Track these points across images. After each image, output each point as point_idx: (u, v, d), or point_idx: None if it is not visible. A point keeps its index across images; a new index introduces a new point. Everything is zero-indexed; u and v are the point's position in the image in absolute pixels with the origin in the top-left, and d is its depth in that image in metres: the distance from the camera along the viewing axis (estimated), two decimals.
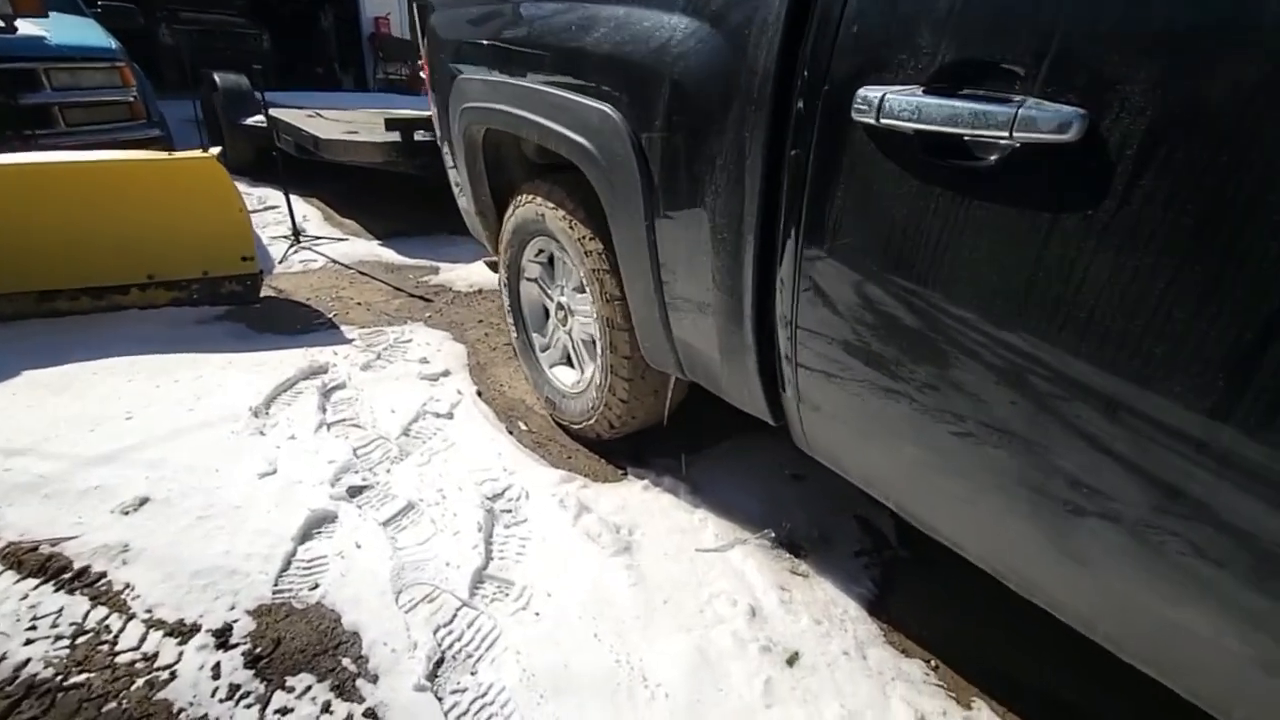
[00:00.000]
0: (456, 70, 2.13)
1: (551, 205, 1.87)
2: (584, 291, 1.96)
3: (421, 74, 2.88)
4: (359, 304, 3.23)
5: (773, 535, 1.71)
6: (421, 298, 3.34)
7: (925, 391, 0.99)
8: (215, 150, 2.94)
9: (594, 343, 2.03)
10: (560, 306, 2.10)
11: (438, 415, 2.27)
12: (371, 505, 1.82)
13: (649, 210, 1.40)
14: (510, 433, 2.21)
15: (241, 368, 2.52)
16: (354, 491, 1.87)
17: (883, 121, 0.88)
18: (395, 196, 5.23)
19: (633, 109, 1.36)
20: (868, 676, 1.36)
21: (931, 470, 1.05)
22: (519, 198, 2.05)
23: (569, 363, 2.23)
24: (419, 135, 4.00)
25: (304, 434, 2.11)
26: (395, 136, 3.94)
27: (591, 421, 2.00)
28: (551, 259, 2.14)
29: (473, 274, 3.65)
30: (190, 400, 2.28)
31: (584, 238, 1.77)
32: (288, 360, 2.58)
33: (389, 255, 3.92)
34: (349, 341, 2.78)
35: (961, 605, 1.55)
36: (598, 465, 2.05)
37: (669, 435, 2.05)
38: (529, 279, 2.23)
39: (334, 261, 3.77)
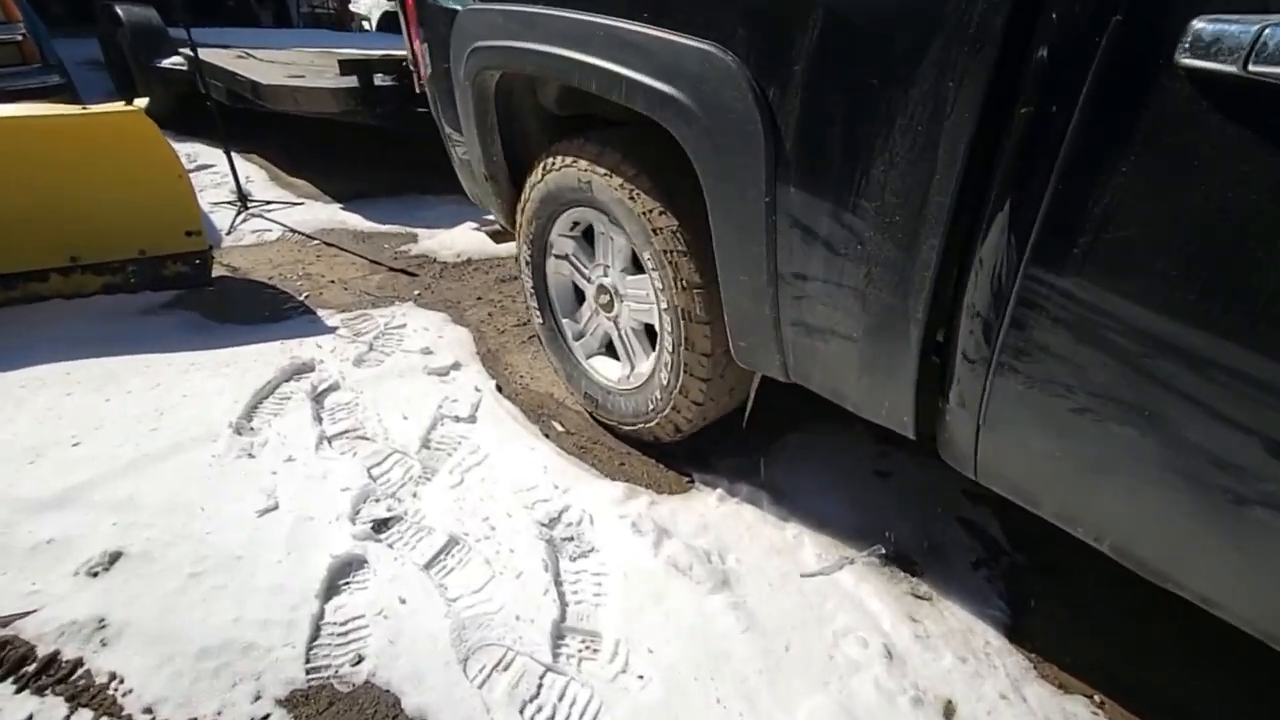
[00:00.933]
0: (455, 6, 1.72)
1: (603, 171, 1.53)
2: (639, 274, 1.65)
3: (385, 5, 2.41)
4: (333, 282, 2.80)
5: (882, 551, 1.50)
6: (404, 271, 2.93)
7: (1207, 430, 0.76)
8: (142, 102, 2.42)
9: (648, 333, 1.74)
10: (604, 290, 1.79)
11: (458, 419, 1.95)
12: (405, 543, 1.52)
13: (771, 182, 1.10)
14: (546, 436, 1.91)
15: (208, 370, 2.11)
16: (380, 526, 1.56)
17: (1253, 69, 0.60)
18: (351, 151, 4.65)
19: (755, 49, 1.04)
20: None
21: (1185, 518, 0.84)
22: (551, 160, 1.70)
23: (610, 353, 1.93)
24: (379, 79, 3.48)
25: (302, 453, 1.77)
26: (352, 81, 3.41)
27: (652, 424, 1.73)
28: (589, 233, 1.81)
29: (457, 241, 3.24)
30: (151, 416, 1.89)
31: (650, 211, 1.45)
32: (263, 357, 2.18)
33: (355, 221, 3.45)
34: (332, 330, 2.39)
35: (1098, 621, 1.40)
36: (658, 472, 1.79)
37: (725, 428, 1.80)
38: (558, 256, 1.90)
39: (292, 231, 3.28)
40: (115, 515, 1.55)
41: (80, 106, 2.38)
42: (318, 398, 2.02)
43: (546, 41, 1.43)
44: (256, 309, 2.53)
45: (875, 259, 1.03)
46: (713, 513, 1.63)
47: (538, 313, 2.04)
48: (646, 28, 1.20)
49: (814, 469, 1.79)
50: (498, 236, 2.52)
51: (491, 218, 3.50)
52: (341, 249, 3.12)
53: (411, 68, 2.56)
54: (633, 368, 1.81)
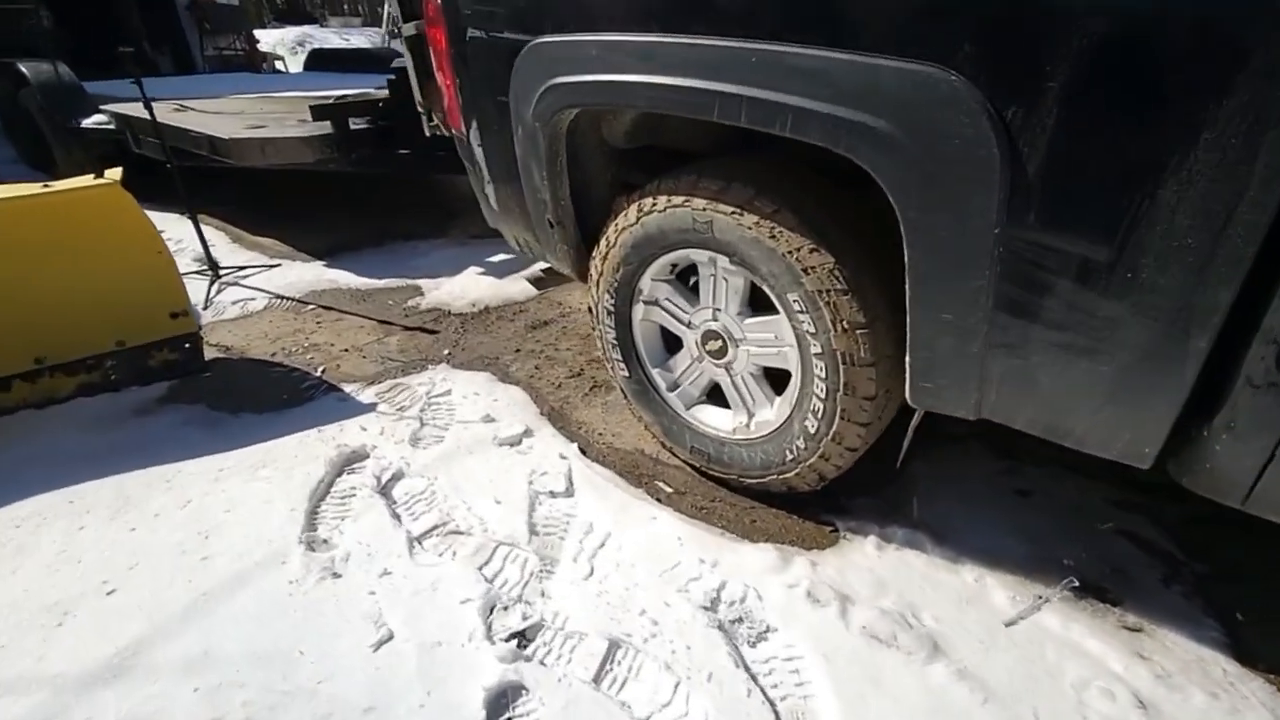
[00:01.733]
0: (521, 39, 1.54)
1: (730, 208, 1.39)
2: (762, 315, 1.51)
3: (389, 42, 2.18)
4: (346, 350, 2.52)
5: (1075, 584, 1.41)
6: (423, 329, 2.68)
7: None
8: (115, 173, 2.09)
9: (767, 377, 1.60)
10: (713, 335, 1.63)
11: (554, 494, 1.75)
12: (559, 656, 1.31)
13: (1004, 211, 0.99)
14: (659, 500, 1.73)
15: (241, 474, 1.82)
16: (522, 639, 1.35)
17: None
18: (318, 201, 4.31)
19: (992, 68, 0.92)
20: None
21: None
22: (650, 201, 1.54)
23: (712, 401, 1.78)
24: (355, 124, 3.21)
25: (396, 562, 1.52)
26: (326, 128, 3.12)
27: (789, 474, 1.58)
28: (687, 275, 1.66)
29: (467, 289, 3.00)
30: (196, 543, 1.59)
31: (798, 250, 1.32)
32: (304, 451, 1.91)
33: (348, 279, 3.15)
34: (370, 408, 2.12)
35: None
36: (796, 526, 1.65)
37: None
38: (648, 302, 1.73)
39: (279, 297, 2.96)
40: (193, 678, 1.27)
41: (41, 185, 2.03)
42: (385, 491, 1.77)
43: (669, 73, 1.27)
44: (271, 393, 2.23)
45: (1150, 286, 0.92)
46: (879, 565, 1.49)
47: (620, 365, 1.86)
48: (824, 51, 1.07)
49: (952, 497, 1.69)
50: (541, 282, 2.32)
51: (498, 260, 3.30)
52: (343, 312, 2.83)
53: (422, 108, 2.34)
54: (750, 415, 1.67)
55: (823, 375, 1.40)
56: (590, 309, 1.89)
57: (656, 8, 1.27)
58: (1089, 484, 1.73)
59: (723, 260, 1.50)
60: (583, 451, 1.91)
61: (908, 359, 1.25)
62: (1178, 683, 1.22)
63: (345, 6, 21.46)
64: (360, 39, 13.01)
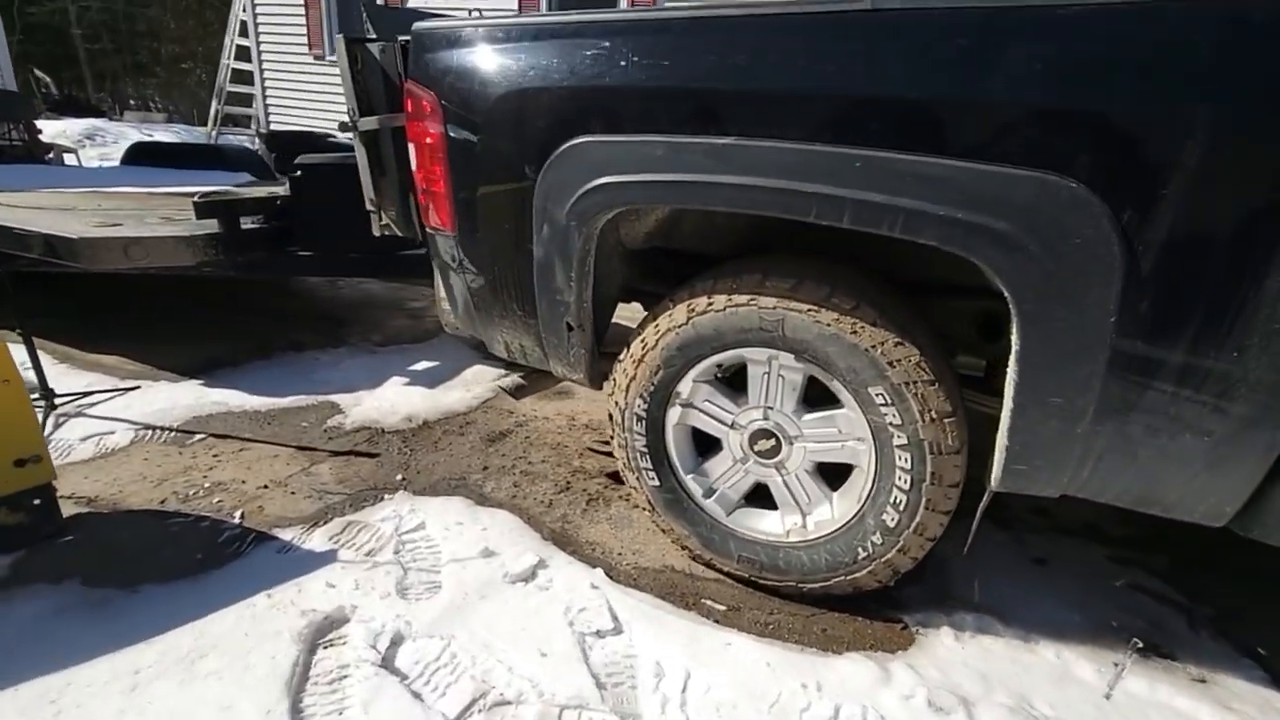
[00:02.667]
0: (554, 137, 1.47)
1: (805, 306, 1.38)
2: (821, 410, 1.50)
3: (217, 138, 1.97)
4: (264, 488, 2.05)
5: (1139, 645, 1.48)
6: (358, 454, 2.28)
7: None
8: None
9: (819, 474, 1.57)
10: (764, 434, 1.57)
11: (602, 634, 1.51)
12: None
13: (1117, 303, 1.09)
14: (718, 623, 1.57)
15: (174, 673, 1.35)
16: None
17: None
18: (169, 309, 3.63)
19: (1112, 175, 1.04)
20: None
21: None
22: (703, 301, 1.49)
23: (752, 504, 1.69)
24: (247, 222, 2.81)
25: None
26: (213, 226, 2.69)
27: (859, 574, 1.53)
28: (733, 375, 1.61)
29: (396, 402, 2.65)
30: None
31: (883, 344, 1.34)
32: (255, 627, 1.47)
33: (238, 400, 2.62)
34: (328, 557, 1.72)
35: None
36: (868, 627, 1.57)
37: None
38: (685, 405, 1.64)
39: (150, 428, 2.37)
40: None
41: None
42: (389, 662, 1.40)
43: (756, 174, 1.27)
44: (176, 554, 1.72)
45: (1253, 364, 1.06)
46: (970, 658, 1.46)
47: (650, 474, 1.72)
48: (942, 159, 1.13)
49: (986, 573, 1.73)
50: (522, 390, 2.11)
51: (423, 369, 2.98)
52: (247, 440, 2.33)
53: (373, 206, 2.12)
54: (803, 515, 1.61)
55: (907, 466, 1.40)
56: (611, 416, 1.74)
57: (740, 113, 1.28)
58: (1084, 545, 1.89)
59: (785, 358, 1.48)
60: (610, 576, 1.70)
61: (1003, 443, 1.29)
62: None
63: (132, 101, 19.52)
64: (165, 134, 11.81)
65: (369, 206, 2.13)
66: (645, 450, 1.70)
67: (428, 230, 1.89)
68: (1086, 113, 1.05)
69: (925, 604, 1.63)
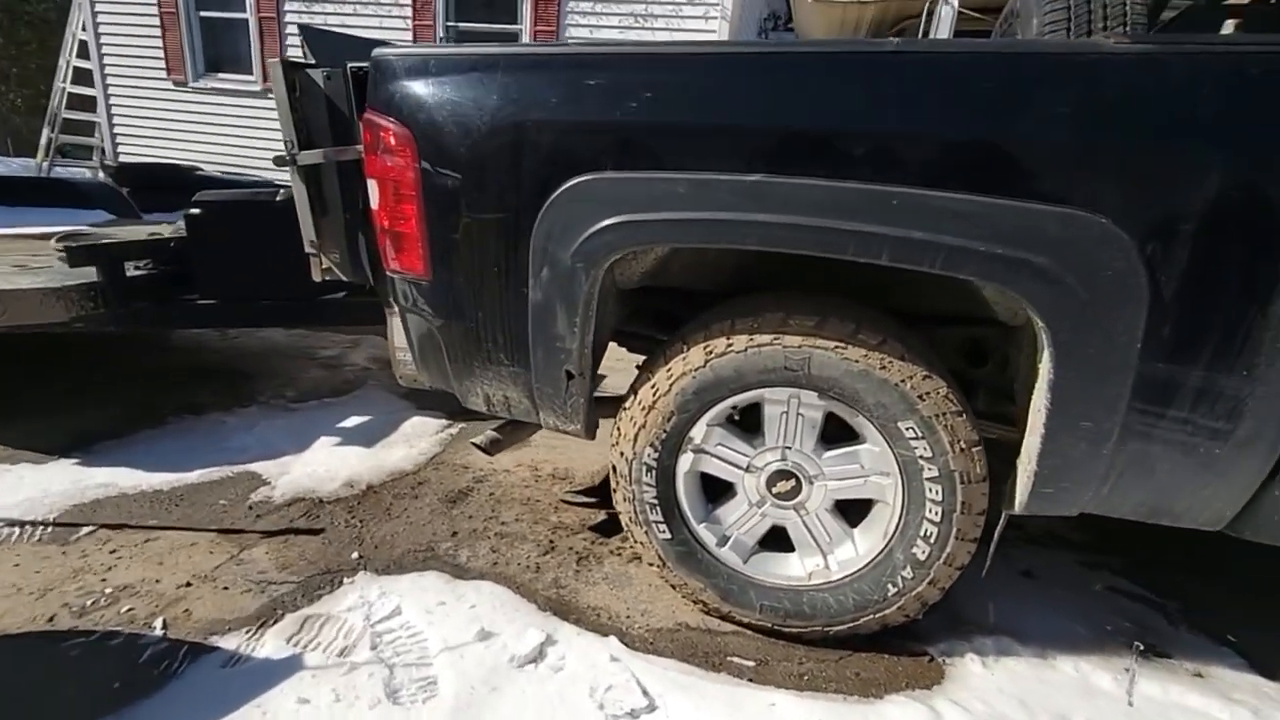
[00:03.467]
0: (557, 174, 1.37)
1: (831, 343, 1.36)
2: (840, 446, 1.47)
3: (50, 170, 1.73)
4: (187, 585, 1.72)
5: (1140, 648, 1.57)
6: (296, 531, 1.98)
7: None
8: None
9: (839, 512, 1.54)
10: (783, 475, 1.52)
11: (635, 714, 1.37)
12: None
13: (1144, 329, 1.15)
14: (753, 681, 1.48)
15: None
16: None
17: None
18: (13, 373, 3.01)
19: (1137, 210, 1.10)
20: None
21: None
22: (721, 342, 1.43)
23: (767, 548, 1.63)
24: (133, 268, 2.41)
25: None
26: (89, 275, 2.28)
27: (890, 609, 1.50)
28: (746, 416, 1.55)
29: (332, 467, 2.34)
30: None
31: (912, 377, 1.34)
32: None
33: (130, 479, 2.20)
34: (293, 665, 1.45)
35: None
36: (898, 664, 1.54)
37: None
38: (697, 451, 1.56)
39: (11, 524, 1.92)
40: None
41: None
42: None
43: (786, 211, 1.24)
44: (86, 688, 1.38)
45: (1261, 379, 1.15)
46: (1003, 683, 1.47)
47: (661, 527, 1.61)
48: (980, 196, 1.15)
49: (987, 593, 1.78)
50: (497, 445, 1.92)
51: (354, 425, 2.66)
52: (151, 528, 1.94)
53: (314, 249, 1.89)
54: (824, 555, 1.57)
55: (938, 498, 1.40)
56: (616, 467, 1.62)
57: (770, 150, 1.25)
58: (1056, 554, 2.00)
59: (807, 396, 1.44)
60: (626, 644, 1.56)
61: (1033, 469, 1.32)
62: (1267, 711, 1.41)
63: None
64: None
65: (309, 249, 1.89)
66: (655, 501, 1.59)
67: (390, 274, 1.70)
68: (1109, 153, 1.11)
69: (943, 632, 1.63)
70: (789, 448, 1.52)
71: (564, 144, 1.37)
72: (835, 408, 1.45)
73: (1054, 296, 1.17)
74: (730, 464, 1.57)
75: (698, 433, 1.54)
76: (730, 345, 1.42)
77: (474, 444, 1.91)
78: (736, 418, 1.56)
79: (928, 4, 3.87)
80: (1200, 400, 1.19)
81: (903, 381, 1.35)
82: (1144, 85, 1.11)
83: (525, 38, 6.01)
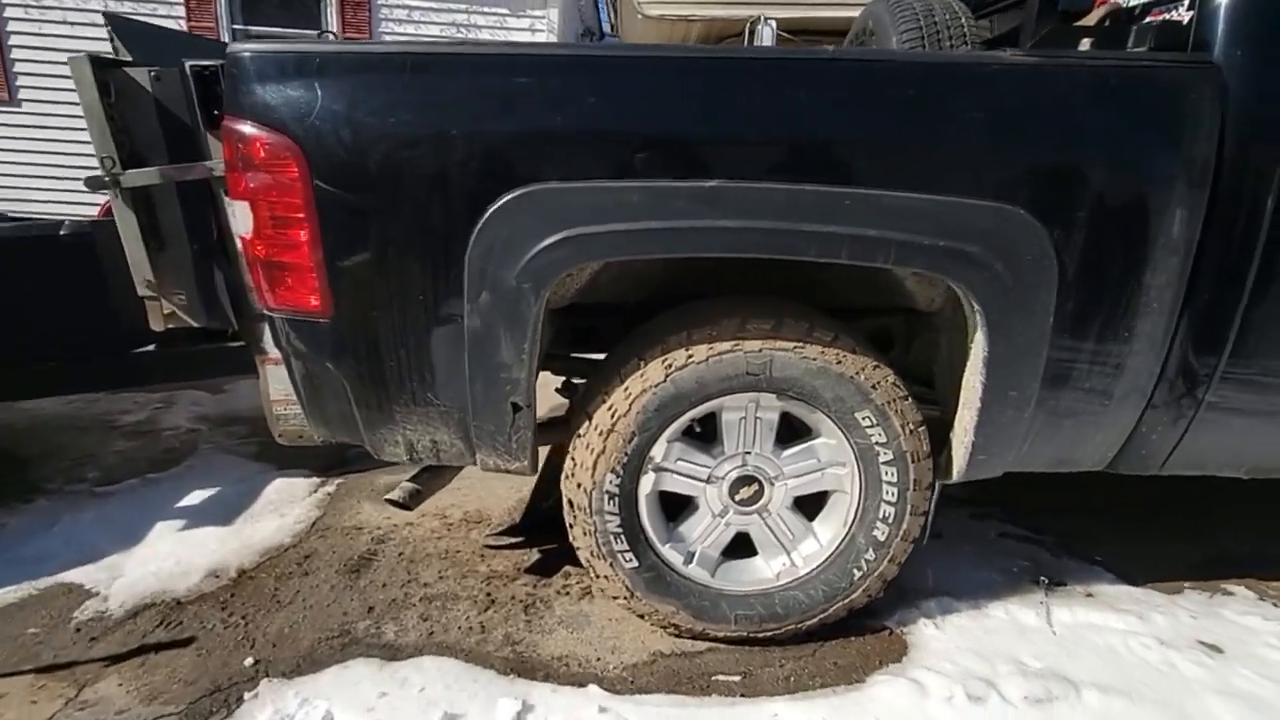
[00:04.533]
0: (493, 186, 1.23)
1: (789, 344, 1.37)
2: (796, 444, 1.51)
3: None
4: None
5: (1046, 581, 1.79)
6: (156, 647, 1.56)
7: None
8: None
9: (795, 509, 1.58)
10: (745, 481, 1.52)
11: None
12: None
13: (1054, 304, 1.31)
14: (744, 695, 1.44)
15: None
16: None
17: None
18: None
19: (1049, 205, 1.25)
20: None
21: None
22: (680, 354, 1.38)
23: (732, 555, 1.61)
24: None
25: None
26: None
27: (856, 593, 1.55)
28: (702, 427, 1.52)
29: (179, 555, 1.89)
30: None
31: (864, 369, 1.41)
32: None
33: None
34: None
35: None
36: (865, 644, 1.60)
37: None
38: (659, 469, 1.49)
39: None
40: None
41: None
42: None
43: (749, 217, 1.23)
44: None
45: (1139, 335, 1.36)
46: (958, 642, 1.59)
47: (627, 556, 1.52)
48: (912, 194, 1.23)
49: (915, 561, 1.92)
50: (418, 497, 1.68)
51: (200, 502, 2.18)
52: None
53: (151, 290, 1.53)
54: (788, 553, 1.59)
55: (893, 479, 1.48)
56: (573, 502, 1.50)
57: (728, 156, 1.23)
58: (951, 510, 2.23)
59: (766, 399, 1.45)
60: (608, 689, 1.45)
61: (970, 439, 1.45)
62: (1146, 614, 1.68)
63: None
64: None
65: (144, 291, 1.51)
66: (620, 530, 1.50)
67: (268, 314, 1.41)
68: (1017, 150, 1.26)
69: (892, 604, 1.73)
70: (749, 453, 1.51)
71: (501, 153, 1.23)
72: (793, 407, 1.47)
73: (986, 282, 1.28)
74: (691, 478, 1.53)
75: (658, 451, 1.48)
76: (691, 356, 1.38)
77: (390, 501, 1.65)
78: (697, 430, 1.52)
79: (749, 24, 4.19)
80: (1095, 363, 1.39)
81: (857, 374, 1.40)
82: (1036, 92, 1.27)
83: (332, 21, 5.45)
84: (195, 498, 2.24)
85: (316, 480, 2.38)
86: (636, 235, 1.25)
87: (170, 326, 1.58)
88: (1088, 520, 2.20)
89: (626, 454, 1.44)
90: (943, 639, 1.61)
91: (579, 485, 1.48)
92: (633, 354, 1.43)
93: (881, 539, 1.52)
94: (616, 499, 1.48)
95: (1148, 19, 1.48)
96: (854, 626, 1.65)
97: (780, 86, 1.23)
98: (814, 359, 1.39)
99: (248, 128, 1.25)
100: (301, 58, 1.24)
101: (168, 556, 1.90)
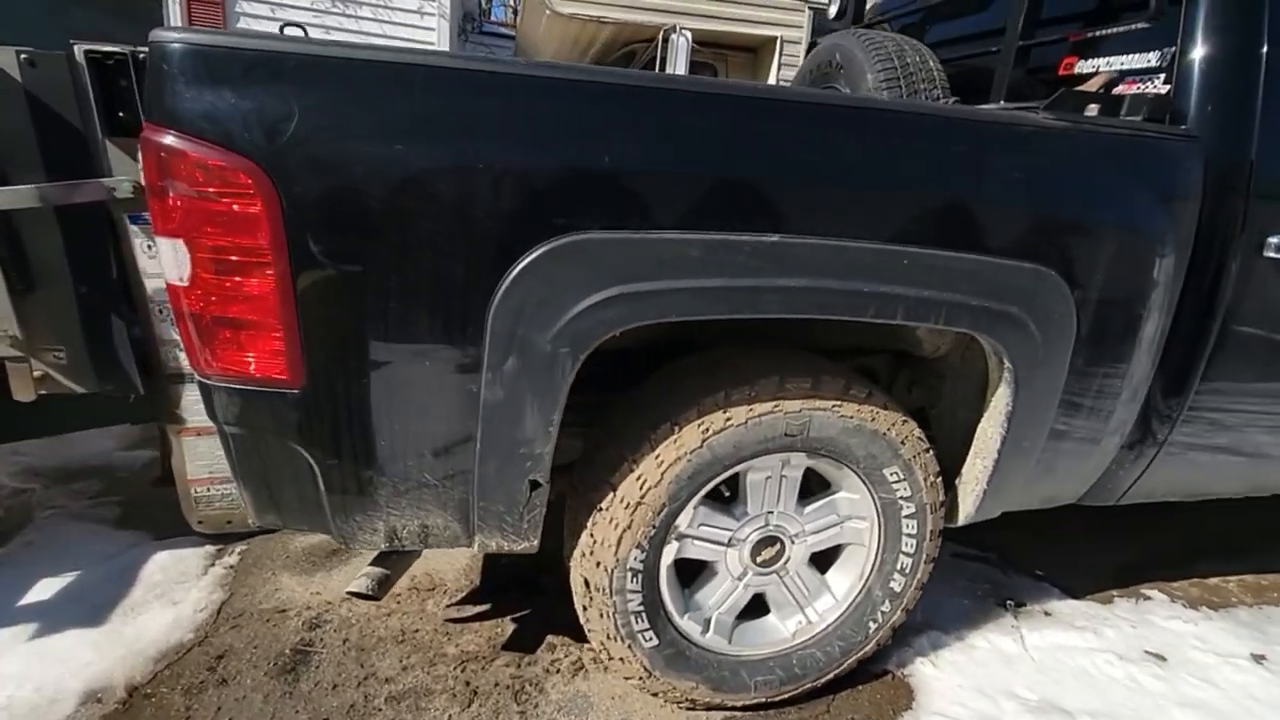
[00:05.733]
0: (526, 235, 1.03)
1: (828, 403, 1.30)
2: (816, 499, 1.46)
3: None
4: None
5: (1011, 604, 1.90)
6: None
7: None
8: None
9: (810, 565, 1.53)
10: (768, 542, 1.43)
11: None
12: None
13: (1068, 364, 1.35)
14: None
15: None
16: None
17: None
18: None
19: (1073, 265, 1.28)
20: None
21: None
22: (718, 416, 1.26)
23: (746, 617, 1.52)
24: None
25: None
26: None
27: (869, 645, 1.53)
28: (722, 491, 1.40)
29: (36, 674, 1.45)
30: None
31: (895, 424, 1.37)
32: None
33: None
34: None
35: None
36: (876, 693, 1.58)
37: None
38: (682, 538, 1.36)
39: None
40: None
41: None
42: None
43: (810, 275, 1.13)
44: None
45: (1129, 384, 1.44)
46: (958, 680, 1.62)
47: (648, 635, 1.38)
48: (965, 255, 1.20)
49: None
50: (386, 584, 1.40)
51: (53, 597, 1.70)
52: None
53: (13, 344, 1.15)
54: (802, 610, 1.53)
55: (913, 531, 1.47)
56: (589, 583, 1.33)
57: (793, 208, 1.11)
58: None
59: (796, 459, 1.37)
60: None
61: (981, 488, 1.47)
62: (1105, 632, 1.83)
63: None
64: None
65: (3, 350, 1.10)
66: (641, 609, 1.35)
67: (207, 381, 1.09)
68: (1051, 212, 1.27)
69: (887, 647, 1.74)
70: (770, 512, 1.43)
71: (540, 194, 1.03)
72: (821, 464, 1.41)
73: (1021, 342, 1.29)
74: (713, 543, 1.41)
75: (684, 519, 1.35)
76: (729, 419, 1.26)
77: (353, 594, 1.36)
78: (727, 494, 1.41)
79: (662, 32, 4.10)
80: (1092, 410, 1.46)
81: (889, 430, 1.37)
82: (1066, 154, 1.29)
83: (176, 20, 4.58)
84: (45, 588, 1.74)
85: (210, 550, 1.95)
86: (701, 294, 1.10)
87: (43, 393, 1.17)
88: (1014, 533, 2.36)
89: (654, 526, 1.29)
90: (942, 678, 1.64)
91: (598, 564, 1.31)
92: (662, 417, 1.28)
93: (897, 590, 1.51)
94: (640, 576, 1.32)
95: (1120, 88, 1.58)
96: (857, 675, 1.63)
97: (852, 134, 1.15)
98: (850, 417, 1.33)
99: (188, 144, 0.94)
100: (272, 58, 0.95)
101: (21, 681, 1.45)
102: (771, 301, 1.14)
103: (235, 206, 0.97)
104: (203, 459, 1.30)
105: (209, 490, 1.31)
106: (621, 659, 1.40)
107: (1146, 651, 1.77)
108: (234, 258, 1.00)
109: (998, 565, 2.16)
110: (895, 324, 1.44)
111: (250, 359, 1.06)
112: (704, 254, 1.09)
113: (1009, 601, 1.93)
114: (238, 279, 1.01)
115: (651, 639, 1.38)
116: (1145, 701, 1.59)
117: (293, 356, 1.05)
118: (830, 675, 1.53)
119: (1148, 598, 2.04)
